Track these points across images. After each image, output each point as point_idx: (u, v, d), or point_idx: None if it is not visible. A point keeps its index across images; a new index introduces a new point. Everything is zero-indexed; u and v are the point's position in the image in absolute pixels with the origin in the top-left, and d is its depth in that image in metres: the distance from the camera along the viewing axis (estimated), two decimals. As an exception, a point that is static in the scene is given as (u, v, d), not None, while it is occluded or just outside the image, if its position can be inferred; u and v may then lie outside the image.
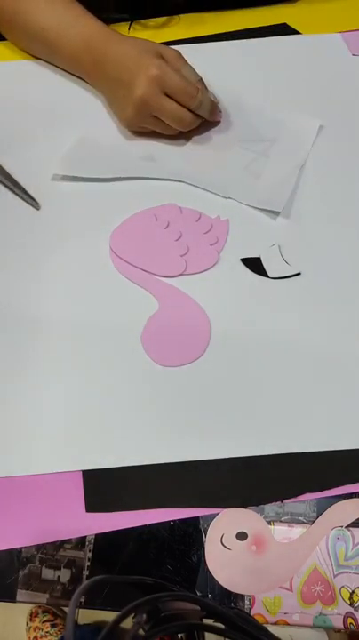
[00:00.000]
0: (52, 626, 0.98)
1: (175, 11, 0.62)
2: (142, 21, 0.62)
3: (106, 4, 0.62)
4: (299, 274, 0.48)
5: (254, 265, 0.48)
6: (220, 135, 0.55)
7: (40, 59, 0.59)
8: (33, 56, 0.60)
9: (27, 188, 0.52)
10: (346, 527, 0.40)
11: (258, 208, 0.50)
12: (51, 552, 0.40)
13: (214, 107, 0.52)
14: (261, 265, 0.48)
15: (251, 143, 0.54)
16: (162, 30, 0.62)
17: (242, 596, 0.39)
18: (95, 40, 0.52)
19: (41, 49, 0.58)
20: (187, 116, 0.50)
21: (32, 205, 0.52)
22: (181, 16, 0.62)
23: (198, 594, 0.39)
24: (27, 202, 0.52)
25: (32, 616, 1.02)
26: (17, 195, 0.52)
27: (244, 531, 0.40)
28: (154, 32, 0.62)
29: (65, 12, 0.54)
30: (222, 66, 0.59)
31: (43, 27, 0.54)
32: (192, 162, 0.53)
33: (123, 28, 0.62)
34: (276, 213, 0.50)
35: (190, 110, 0.50)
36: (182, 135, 0.54)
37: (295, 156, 0.53)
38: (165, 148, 0.54)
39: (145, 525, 0.40)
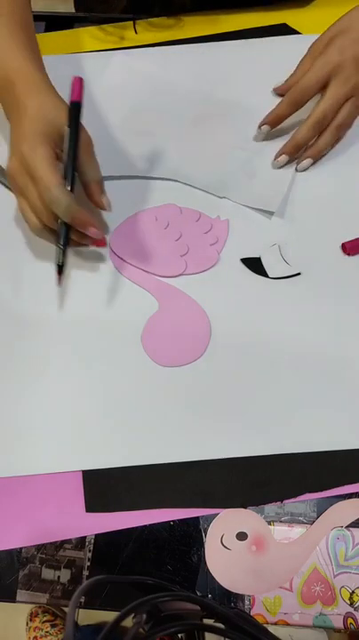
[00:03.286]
0: (52, 626, 0.98)
1: (181, 11, 0.62)
2: (145, 21, 0.62)
3: (112, 3, 0.62)
4: (299, 274, 0.48)
5: (254, 265, 0.48)
6: (218, 135, 0.55)
7: None
8: None
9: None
10: (346, 527, 0.40)
11: (252, 207, 0.50)
12: (51, 552, 0.40)
13: (79, 216, 0.42)
14: (261, 265, 0.48)
15: (247, 143, 0.54)
16: (164, 31, 0.62)
17: (242, 596, 0.39)
18: (17, 86, 0.45)
19: None
20: (41, 211, 0.43)
21: (32, 205, 0.52)
22: (183, 16, 0.62)
23: (198, 594, 0.39)
24: (27, 202, 0.52)
25: (32, 616, 1.02)
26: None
27: (244, 531, 0.40)
28: (156, 33, 0.62)
29: (6, 41, 0.47)
30: (222, 66, 0.59)
31: None
32: (188, 161, 0.53)
33: (128, 29, 0.62)
34: (271, 213, 0.50)
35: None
36: (179, 134, 0.54)
37: None
38: (162, 147, 0.54)
39: (145, 525, 0.40)
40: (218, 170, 0.53)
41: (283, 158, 0.51)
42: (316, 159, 0.52)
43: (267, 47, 0.60)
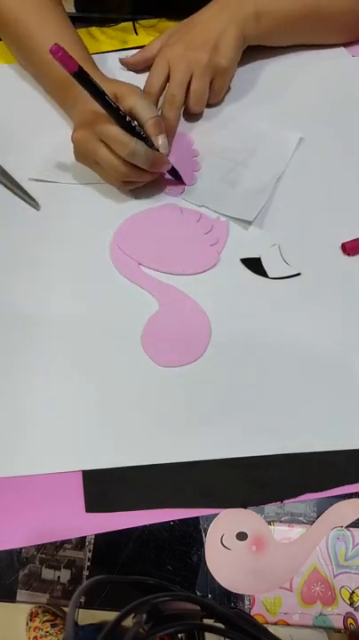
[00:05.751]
0: (52, 626, 0.98)
1: (183, 12, 0.62)
2: (147, 22, 0.62)
3: (115, 3, 0.62)
4: (299, 274, 0.48)
5: (254, 265, 0.48)
6: (202, 142, 0.54)
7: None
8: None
9: (27, 188, 0.52)
10: (346, 527, 0.40)
11: (230, 216, 0.50)
12: (51, 552, 0.40)
13: (156, 159, 0.46)
14: (261, 265, 0.48)
15: (231, 152, 0.53)
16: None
17: (242, 596, 0.39)
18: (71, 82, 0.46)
19: (25, 64, 0.57)
20: (120, 167, 0.46)
21: (32, 205, 0.52)
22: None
23: (198, 594, 0.39)
24: (27, 202, 0.52)
25: (32, 616, 1.02)
26: (17, 195, 0.52)
27: (244, 531, 0.40)
28: (157, 33, 0.62)
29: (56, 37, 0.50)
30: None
31: (34, 45, 0.52)
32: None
33: (129, 30, 0.62)
34: (248, 223, 0.50)
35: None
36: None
37: (273, 168, 0.52)
38: None
39: (145, 525, 0.40)
40: (199, 178, 0.52)
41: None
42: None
43: (266, 47, 0.60)
